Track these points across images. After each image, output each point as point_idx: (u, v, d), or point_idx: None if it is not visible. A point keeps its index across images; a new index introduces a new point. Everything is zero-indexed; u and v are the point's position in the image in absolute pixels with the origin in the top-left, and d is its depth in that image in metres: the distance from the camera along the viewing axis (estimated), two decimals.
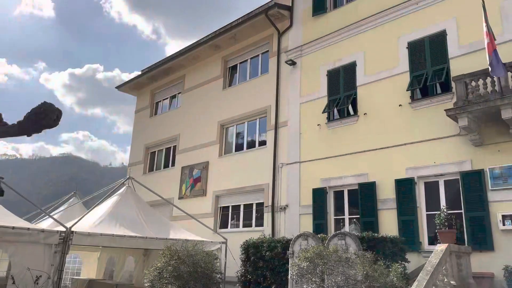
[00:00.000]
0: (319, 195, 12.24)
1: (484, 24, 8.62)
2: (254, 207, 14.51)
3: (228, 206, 15.41)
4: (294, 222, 12.70)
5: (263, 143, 14.92)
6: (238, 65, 17.13)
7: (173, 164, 18.36)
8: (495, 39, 8.66)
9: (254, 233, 12.69)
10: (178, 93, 19.76)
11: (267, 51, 15.82)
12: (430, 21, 11.12)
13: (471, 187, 9.36)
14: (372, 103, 11.80)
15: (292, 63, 14.19)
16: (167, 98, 20.52)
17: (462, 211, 9.44)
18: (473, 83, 9.21)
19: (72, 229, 8.67)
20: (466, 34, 10.29)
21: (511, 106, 8.36)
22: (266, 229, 13.31)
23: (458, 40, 10.44)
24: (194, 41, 19.41)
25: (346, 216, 11.73)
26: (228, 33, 16.42)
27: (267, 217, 13.63)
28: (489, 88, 9.08)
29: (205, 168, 16.41)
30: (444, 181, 10.05)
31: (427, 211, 10.12)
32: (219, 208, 15.64)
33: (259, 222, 14.12)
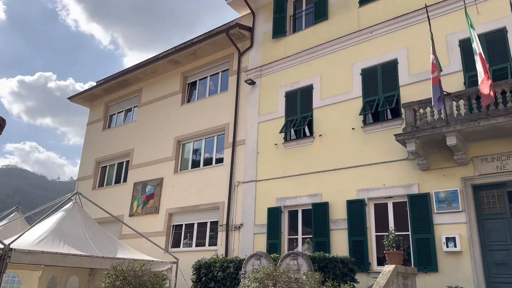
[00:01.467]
0: (274, 214, 12.27)
1: (432, 56, 9.18)
2: (209, 225, 14.28)
3: (182, 225, 15.06)
4: (248, 242, 12.60)
5: (220, 160, 14.83)
6: (198, 81, 17.08)
7: (125, 180, 17.76)
8: (441, 70, 9.23)
9: (207, 253, 12.48)
10: (134, 107, 19.30)
11: (227, 69, 15.92)
12: (383, 50, 11.70)
13: (418, 210, 9.76)
14: (327, 125, 12.12)
15: (252, 82, 14.35)
16: (122, 111, 19.98)
17: (409, 232, 9.80)
18: (421, 110, 9.72)
19: (11, 246, 8.09)
20: (416, 64, 10.91)
21: (455, 134, 8.88)
22: (220, 249, 13.10)
23: (408, 69, 11.04)
24: (154, 55, 19.17)
25: (300, 236, 11.81)
26: (188, 49, 16.37)
27: (221, 236, 13.44)
28: (436, 116, 9.62)
29: (159, 185, 16.01)
30: (393, 203, 10.42)
31: (376, 232, 10.41)
32: (171, 227, 15.24)
33: (213, 241, 13.89)
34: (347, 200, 10.94)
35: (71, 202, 10.97)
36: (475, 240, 8.90)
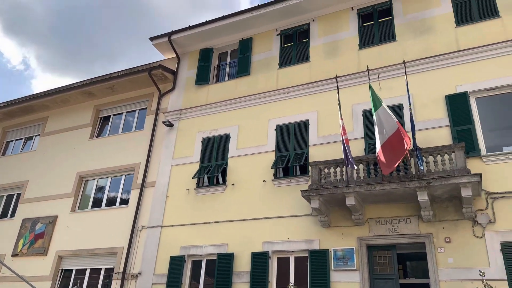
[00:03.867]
0: (176, 263, 11.74)
1: (341, 121, 10.02)
2: (103, 272, 13.12)
3: (72, 270, 13.65)
4: None
5: (125, 201, 14.02)
6: (112, 116, 16.40)
7: (12, 215, 15.84)
8: (345, 134, 10.06)
9: None
10: (36, 135, 17.73)
11: (145, 108, 15.58)
12: (296, 110, 12.47)
13: (317, 266, 10.08)
14: (240, 175, 12.28)
15: (170, 124, 14.17)
16: (22, 138, 18.21)
17: None
18: (326, 170, 10.38)
19: None
20: (325, 126, 11.76)
21: (354, 195, 9.57)
22: None
23: (317, 131, 11.83)
24: (68, 84, 18.10)
25: None
26: (106, 83, 15.80)
27: (115, 285, 12.40)
28: (338, 177, 10.33)
29: (52, 223, 14.51)
30: (295, 257, 10.66)
31: (277, 286, 10.45)
32: (60, 271, 13.72)
33: None
34: (252, 252, 10.93)
35: None
36: None
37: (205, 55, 15.05)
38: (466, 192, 8.62)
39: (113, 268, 12.79)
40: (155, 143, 14.32)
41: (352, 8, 13.09)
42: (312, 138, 11.80)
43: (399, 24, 12.14)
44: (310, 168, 10.96)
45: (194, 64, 15.21)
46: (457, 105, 10.30)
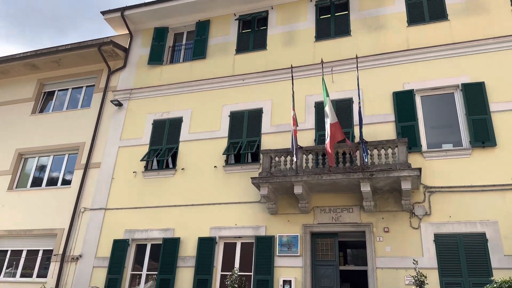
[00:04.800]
0: (120, 247, 11.45)
1: (293, 112, 10.15)
2: (41, 254, 12.53)
3: (7, 251, 12.92)
4: (85, 275, 11.42)
5: (67, 182, 13.40)
6: (57, 92, 15.51)
7: None
8: (297, 125, 10.23)
9: (33, 285, 11.06)
10: None
11: (93, 85, 14.88)
12: (251, 97, 12.45)
13: (262, 252, 10.25)
14: (191, 160, 12.12)
15: (119, 104, 13.63)
16: None
17: (252, 273, 10.17)
18: (277, 159, 10.50)
19: None
20: (278, 115, 11.85)
21: (302, 184, 9.78)
22: (50, 281, 11.60)
23: (271, 119, 11.91)
24: (9, 54, 16.80)
25: (145, 272, 11.21)
26: (51, 56, 14.86)
27: (54, 267, 11.90)
28: (288, 165, 10.49)
29: None
30: (241, 243, 10.76)
31: (222, 271, 10.53)
32: None
33: (43, 273, 12.19)
34: (199, 237, 10.90)
35: None
36: (308, 284, 9.69)
37: (160, 34, 14.56)
38: (406, 185, 9.09)
39: (52, 250, 12.26)
40: (102, 123, 13.74)
41: None
42: (265, 126, 11.86)
43: (354, 19, 12.41)
44: (261, 156, 11.04)
45: (147, 43, 14.68)
46: (403, 102, 10.77)
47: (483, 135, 9.77)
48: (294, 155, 9.59)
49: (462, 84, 10.48)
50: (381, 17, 12.14)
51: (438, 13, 11.63)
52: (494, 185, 9.28)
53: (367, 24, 12.19)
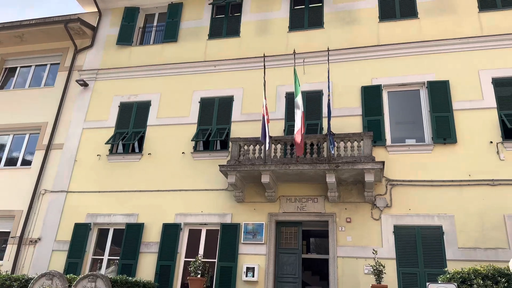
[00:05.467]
0: (81, 231, 11.18)
1: (265, 101, 10.13)
2: None
3: None
4: (44, 259, 11.11)
5: (28, 163, 12.89)
6: (19, 68, 14.79)
7: None
8: (267, 115, 10.23)
9: None
10: None
11: (58, 63, 14.28)
12: (223, 85, 12.33)
13: (227, 239, 10.29)
14: (158, 145, 11.92)
15: (84, 84, 13.17)
16: None
17: (216, 260, 10.21)
18: (246, 147, 10.50)
19: None
20: (248, 104, 11.81)
21: (269, 173, 9.84)
22: (6, 264, 11.21)
23: (241, 108, 11.86)
24: None
25: (106, 257, 11.02)
26: (14, 30, 14.13)
27: (10, 249, 11.49)
28: (257, 154, 10.52)
29: None
30: (207, 230, 10.76)
31: (186, 257, 10.50)
32: None
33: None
34: (163, 223, 10.80)
35: None
36: (271, 271, 9.83)
37: (130, 14, 14.12)
38: (369, 178, 9.33)
39: (9, 232, 11.82)
40: (66, 103, 13.25)
41: None
42: (236, 114, 11.80)
43: (327, 12, 12.48)
44: (230, 144, 11.00)
45: (117, 22, 14.20)
46: (371, 96, 10.99)
47: (444, 132, 10.14)
48: (267, 144, 9.59)
49: (427, 81, 10.80)
50: (354, 11, 12.26)
51: (409, 11, 11.87)
52: (452, 181, 9.68)
53: (340, 17, 12.29)
